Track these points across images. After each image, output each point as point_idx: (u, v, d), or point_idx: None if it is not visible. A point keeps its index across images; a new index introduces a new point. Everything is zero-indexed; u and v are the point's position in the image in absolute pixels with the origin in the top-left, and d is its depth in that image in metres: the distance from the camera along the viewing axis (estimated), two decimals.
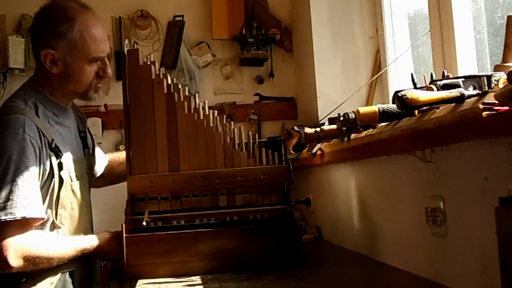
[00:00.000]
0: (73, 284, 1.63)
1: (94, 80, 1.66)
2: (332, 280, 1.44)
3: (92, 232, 1.75)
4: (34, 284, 1.55)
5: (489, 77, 1.06)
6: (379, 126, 1.37)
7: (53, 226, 1.58)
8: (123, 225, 1.52)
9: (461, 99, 1.04)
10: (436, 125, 1.08)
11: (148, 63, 1.59)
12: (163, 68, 1.63)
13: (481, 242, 1.04)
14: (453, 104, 1.06)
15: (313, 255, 1.88)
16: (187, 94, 1.60)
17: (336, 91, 2.40)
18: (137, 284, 1.44)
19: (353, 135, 1.46)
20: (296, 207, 2.35)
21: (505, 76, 1.01)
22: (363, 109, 1.28)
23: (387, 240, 1.53)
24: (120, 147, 2.75)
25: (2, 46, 2.73)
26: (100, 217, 2.30)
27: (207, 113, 1.59)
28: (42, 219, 1.51)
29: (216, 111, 1.62)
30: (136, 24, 2.88)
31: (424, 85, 1.23)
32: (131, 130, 1.57)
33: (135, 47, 1.63)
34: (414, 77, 1.30)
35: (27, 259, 1.47)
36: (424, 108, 1.11)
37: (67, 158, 1.63)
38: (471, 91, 1.06)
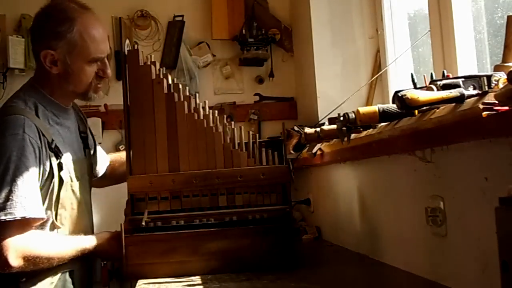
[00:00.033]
0: (73, 284, 1.63)
1: (94, 81, 1.66)
2: (332, 280, 1.44)
3: (92, 232, 1.75)
4: (34, 284, 1.55)
5: (489, 77, 1.06)
6: (379, 126, 1.37)
7: (53, 226, 1.58)
8: (122, 225, 1.52)
9: (461, 99, 1.04)
10: (436, 125, 1.08)
11: (149, 63, 1.59)
12: (164, 68, 1.63)
13: (481, 242, 1.04)
14: (453, 104, 1.06)
15: (313, 255, 1.88)
16: (187, 94, 1.60)
17: (336, 91, 2.40)
18: (137, 284, 1.44)
19: (353, 135, 1.46)
20: (296, 207, 2.34)
21: (505, 76, 1.01)
22: (363, 109, 1.28)
23: (387, 240, 1.53)
24: (120, 147, 2.75)
25: (2, 46, 2.73)
26: (101, 217, 2.29)
27: (207, 113, 1.59)
28: (42, 219, 1.51)
29: (216, 111, 1.62)
30: (136, 24, 2.89)
31: (424, 85, 1.23)
32: (131, 131, 1.57)
33: (136, 48, 1.63)
34: (414, 77, 1.30)
35: (27, 259, 1.47)
36: (424, 108, 1.11)
37: (67, 159, 1.63)
38: (471, 91, 1.06)
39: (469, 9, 1.69)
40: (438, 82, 1.10)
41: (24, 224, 1.47)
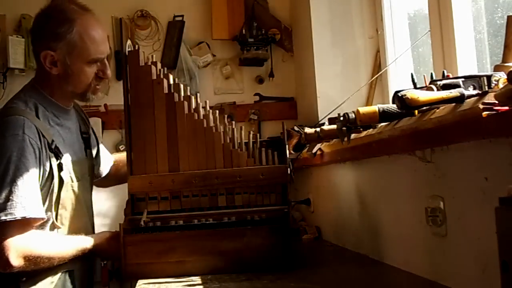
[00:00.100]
0: (73, 283, 1.63)
1: (94, 81, 1.66)
2: (332, 280, 1.43)
3: (93, 232, 1.75)
4: (35, 283, 1.55)
5: (489, 77, 1.06)
6: (379, 126, 1.37)
7: (53, 226, 1.58)
8: (121, 225, 1.52)
9: (461, 99, 1.04)
10: (436, 125, 1.08)
11: (149, 63, 1.59)
12: (165, 68, 1.63)
13: (481, 242, 1.04)
14: (453, 104, 1.06)
15: (313, 255, 1.88)
16: (188, 93, 1.60)
17: (336, 91, 2.40)
18: (137, 284, 1.44)
19: (353, 135, 1.46)
20: (296, 207, 2.35)
21: (505, 76, 1.01)
22: (363, 109, 1.28)
23: (387, 240, 1.52)
24: (120, 147, 2.76)
25: (2, 46, 2.73)
26: (101, 217, 2.29)
27: (206, 113, 1.59)
28: (42, 219, 1.52)
29: (217, 111, 1.62)
30: (136, 24, 2.89)
31: (424, 85, 1.23)
32: (132, 131, 1.57)
33: (137, 48, 1.63)
34: (414, 77, 1.30)
35: (28, 259, 1.47)
36: (424, 108, 1.11)
37: (68, 159, 1.63)
38: (471, 91, 1.06)
39: (469, 9, 1.69)
40: (438, 82, 1.10)
41: (24, 224, 1.47)
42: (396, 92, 1.09)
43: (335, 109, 2.12)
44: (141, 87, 1.58)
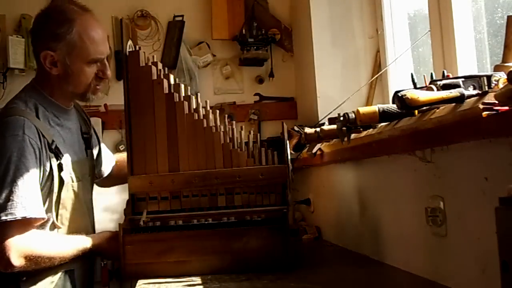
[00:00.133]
0: (73, 283, 1.63)
1: (93, 82, 1.66)
2: (332, 280, 1.43)
3: (93, 232, 1.75)
4: (35, 283, 1.55)
5: (489, 77, 1.06)
6: (379, 126, 1.37)
7: (53, 226, 1.58)
8: (120, 225, 1.52)
9: (461, 99, 1.04)
10: (436, 125, 1.08)
11: (150, 63, 1.59)
12: (166, 69, 1.63)
13: (481, 242, 1.04)
14: (453, 104, 1.06)
15: (313, 255, 1.88)
16: (188, 93, 1.60)
17: (336, 91, 2.40)
18: (137, 284, 1.44)
19: (353, 135, 1.46)
20: (296, 207, 2.35)
21: (505, 76, 1.01)
22: (363, 109, 1.28)
23: (387, 240, 1.53)
24: (120, 147, 2.76)
25: (2, 46, 2.73)
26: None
27: (206, 112, 1.59)
28: (43, 219, 1.52)
29: (217, 111, 1.62)
30: (136, 24, 2.89)
31: (424, 85, 1.23)
32: (132, 131, 1.57)
33: (137, 48, 1.63)
34: (414, 77, 1.30)
35: (29, 259, 1.48)
36: (424, 108, 1.11)
37: (68, 159, 1.63)
38: (471, 91, 1.06)
39: (469, 9, 1.69)
40: (438, 82, 1.10)
41: (25, 224, 1.47)
42: (396, 92, 1.09)
43: (335, 109, 2.12)
44: (141, 87, 1.58)
